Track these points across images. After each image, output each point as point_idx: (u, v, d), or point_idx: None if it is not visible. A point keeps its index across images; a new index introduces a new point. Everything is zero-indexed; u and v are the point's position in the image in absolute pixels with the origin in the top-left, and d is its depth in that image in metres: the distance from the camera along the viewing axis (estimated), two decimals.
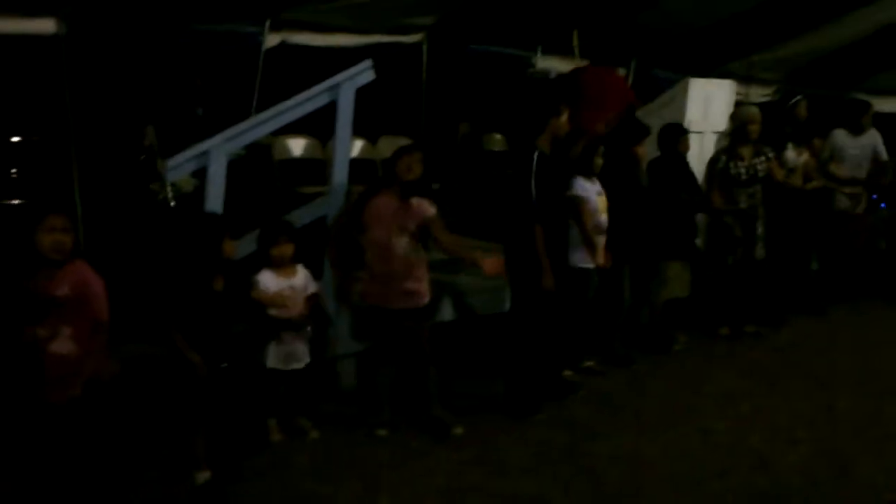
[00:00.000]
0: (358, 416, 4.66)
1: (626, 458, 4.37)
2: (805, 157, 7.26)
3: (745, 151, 6.43)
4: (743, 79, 9.17)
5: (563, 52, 8.40)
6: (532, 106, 5.16)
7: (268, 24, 7.04)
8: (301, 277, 4.34)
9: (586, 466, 4.25)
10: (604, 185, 5.40)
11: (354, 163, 6.99)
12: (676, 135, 6.18)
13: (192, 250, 3.75)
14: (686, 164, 6.26)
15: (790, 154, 7.14)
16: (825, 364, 6.14)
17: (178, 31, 6.46)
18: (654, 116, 6.75)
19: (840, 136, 7.68)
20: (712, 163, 6.51)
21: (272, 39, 7.15)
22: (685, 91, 6.50)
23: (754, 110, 6.62)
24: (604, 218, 5.37)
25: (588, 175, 5.32)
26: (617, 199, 5.50)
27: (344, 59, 5.59)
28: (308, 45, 7.34)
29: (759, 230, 6.53)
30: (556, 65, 8.35)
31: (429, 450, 4.38)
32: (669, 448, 4.53)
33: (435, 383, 4.60)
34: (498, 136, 8.41)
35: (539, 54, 8.47)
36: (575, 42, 7.79)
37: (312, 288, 4.39)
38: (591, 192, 5.31)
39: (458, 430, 4.52)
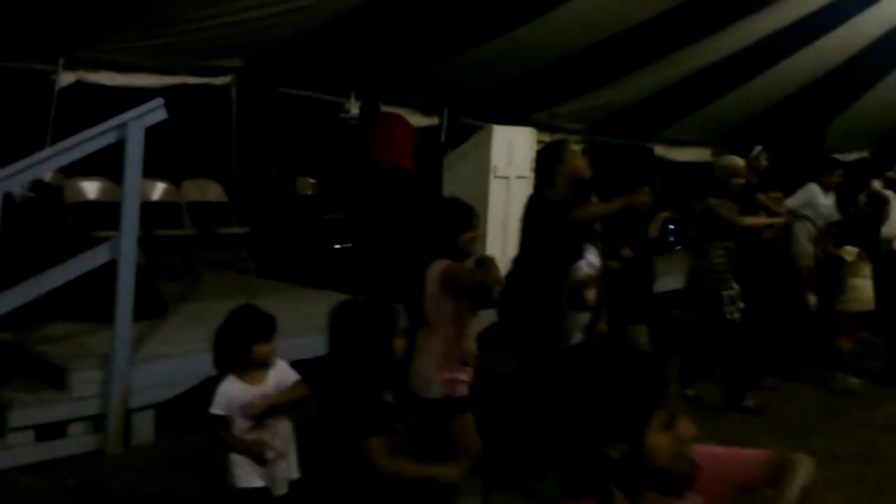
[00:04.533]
0: None
1: None
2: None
3: (731, 204, 5.82)
4: (547, 127, 9.66)
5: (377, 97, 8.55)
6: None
7: (61, 62, 6.71)
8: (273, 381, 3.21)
9: None
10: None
11: (156, 206, 6.81)
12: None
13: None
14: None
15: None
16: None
17: None
18: (460, 162, 6.97)
19: (816, 192, 7.27)
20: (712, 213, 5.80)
21: (66, 78, 6.81)
22: (489, 138, 6.71)
23: (739, 162, 5.98)
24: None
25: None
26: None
27: (149, 99, 5.41)
28: (108, 84, 7.05)
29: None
30: None
31: None
32: None
33: None
34: (311, 180, 8.37)
35: (353, 99, 8.54)
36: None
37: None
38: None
39: None
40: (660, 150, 12.07)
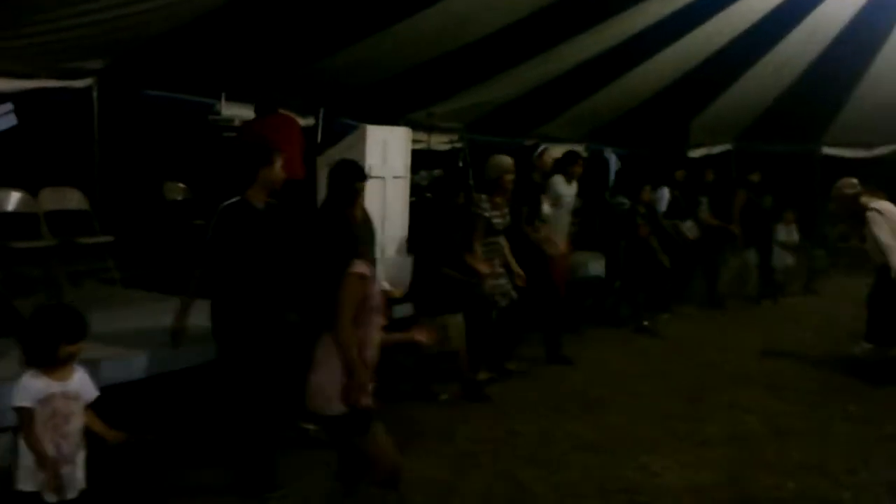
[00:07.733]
0: None
1: None
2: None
3: (501, 201, 6.49)
4: (425, 127, 9.69)
5: (248, 99, 8.33)
6: (239, 157, 4.68)
7: None
8: (77, 381, 3.31)
9: None
10: None
11: (12, 217, 6.42)
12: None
13: None
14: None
15: (544, 206, 7.24)
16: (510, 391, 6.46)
17: None
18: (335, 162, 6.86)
19: (559, 184, 7.63)
20: (474, 212, 6.38)
21: None
22: (363, 138, 6.63)
23: (509, 161, 6.52)
24: None
25: None
26: None
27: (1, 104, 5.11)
28: None
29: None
30: (241, 112, 8.19)
31: None
32: None
33: None
34: (180, 185, 8.08)
35: (223, 101, 8.30)
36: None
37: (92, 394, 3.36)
38: None
39: None
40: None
